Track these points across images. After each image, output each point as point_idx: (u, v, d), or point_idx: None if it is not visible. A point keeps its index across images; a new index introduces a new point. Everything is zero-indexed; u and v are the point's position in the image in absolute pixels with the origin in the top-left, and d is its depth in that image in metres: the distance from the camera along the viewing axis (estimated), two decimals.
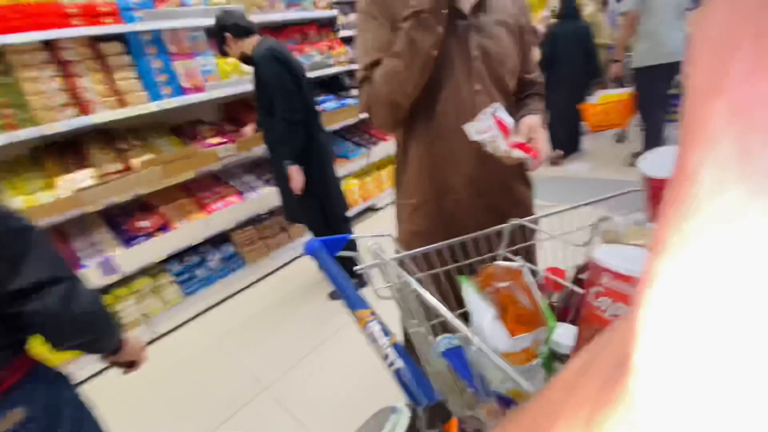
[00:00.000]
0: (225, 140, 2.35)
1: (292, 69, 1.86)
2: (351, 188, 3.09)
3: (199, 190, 2.46)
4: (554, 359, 0.52)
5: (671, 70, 2.97)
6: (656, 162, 0.79)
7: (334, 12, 3.00)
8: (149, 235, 2.14)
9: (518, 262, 0.47)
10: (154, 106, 2.11)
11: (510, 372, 0.38)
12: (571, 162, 3.92)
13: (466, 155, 0.92)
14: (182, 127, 2.53)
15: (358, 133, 3.35)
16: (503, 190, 0.98)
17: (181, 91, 2.22)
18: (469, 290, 0.46)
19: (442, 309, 0.49)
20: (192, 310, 2.31)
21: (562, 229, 0.89)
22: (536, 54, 2.73)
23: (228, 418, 1.65)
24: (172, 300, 2.27)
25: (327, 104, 2.94)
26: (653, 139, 3.23)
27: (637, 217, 0.96)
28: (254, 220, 2.56)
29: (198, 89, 2.26)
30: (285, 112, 1.82)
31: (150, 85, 2.12)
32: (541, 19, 4.13)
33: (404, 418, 0.32)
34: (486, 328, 0.44)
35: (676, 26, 2.84)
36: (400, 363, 0.32)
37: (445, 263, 0.78)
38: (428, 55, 0.80)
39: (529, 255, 1.00)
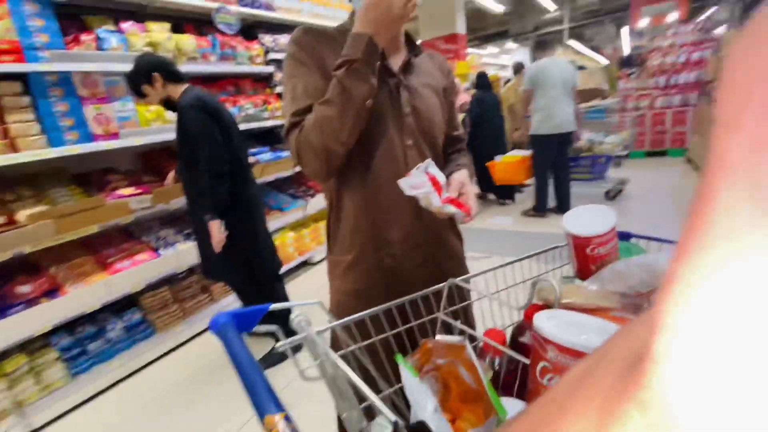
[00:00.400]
0: (139, 191, 2.13)
1: (220, 119, 1.78)
2: (285, 241, 2.95)
3: (104, 247, 2.15)
4: None
5: (561, 138, 3.57)
6: (578, 220, 0.83)
7: (271, 68, 3.03)
8: (31, 302, 1.78)
9: (458, 336, 0.42)
10: (54, 152, 1.85)
11: None
12: (496, 215, 4.19)
13: (402, 209, 0.90)
14: (89, 176, 2.25)
15: (294, 185, 3.28)
16: (438, 243, 0.97)
17: (90, 137, 2.00)
18: (406, 373, 0.39)
19: (369, 393, 0.41)
20: (81, 394, 1.90)
21: (497, 285, 0.88)
22: (459, 117, 3.05)
23: None
24: (55, 382, 1.86)
25: (261, 156, 2.86)
26: (540, 194, 3.84)
27: (564, 270, 0.99)
28: (169, 280, 2.27)
29: (111, 136, 2.06)
30: (209, 164, 1.70)
31: (51, 129, 1.89)
32: (463, 90, 4.67)
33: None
34: (427, 422, 0.37)
35: (565, 103, 3.45)
36: None
37: (382, 329, 0.71)
38: (362, 105, 0.79)
39: (466, 313, 0.97)
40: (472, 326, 0.98)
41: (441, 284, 0.71)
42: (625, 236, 1.03)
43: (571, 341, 0.36)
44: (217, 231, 1.74)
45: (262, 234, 2.00)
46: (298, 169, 2.94)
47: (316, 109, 0.81)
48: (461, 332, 0.77)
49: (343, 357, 0.68)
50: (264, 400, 0.34)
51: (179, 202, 2.23)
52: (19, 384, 1.77)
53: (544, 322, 0.40)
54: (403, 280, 0.92)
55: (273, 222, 2.81)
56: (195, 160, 1.72)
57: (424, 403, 0.37)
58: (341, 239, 0.95)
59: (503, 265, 0.84)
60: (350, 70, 0.76)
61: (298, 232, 3.11)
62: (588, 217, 0.81)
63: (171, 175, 2.18)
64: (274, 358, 2.00)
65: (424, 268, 0.94)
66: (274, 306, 0.58)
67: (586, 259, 0.81)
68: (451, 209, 0.74)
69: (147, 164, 2.53)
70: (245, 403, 0.35)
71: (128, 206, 2.06)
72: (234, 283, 2.01)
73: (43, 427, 1.78)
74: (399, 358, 0.40)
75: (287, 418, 0.32)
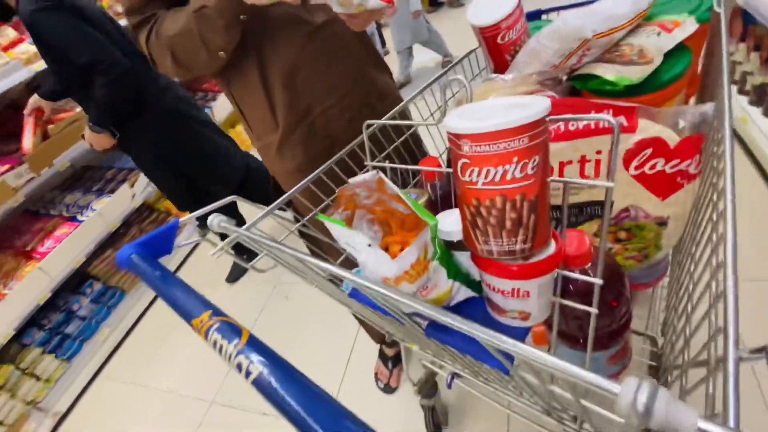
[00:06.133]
0: (9, 165, 1.77)
1: (86, 16, 1.39)
2: None
3: (14, 237, 1.90)
4: (450, 250, 0.47)
5: None
6: (482, 11, 0.74)
7: None
8: None
9: (370, 173, 0.38)
10: None
11: (392, 294, 0.32)
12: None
13: (312, 59, 0.79)
14: None
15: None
16: (363, 84, 0.88)
17: None
18: (333, 226, 0.37)
19: (319, 264, 0.39)
20: (88, 371, 1.93)
21: (428, 110, 0.83)
22: None
23: None
24: (54, 372, 1.86)
25: None
26: None
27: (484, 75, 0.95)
28: (109, 241, 2.11)
29: None
30: (100, 66, 1.38)
31: None
32: None
33: None
34: (367, 261, 0.35)
35: None
36: (257, 369, 0.23)
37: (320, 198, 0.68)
38: (215, 54, 0.72)
39: (416, 147, 0.94)
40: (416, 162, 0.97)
41: (362, 134, 0.65)
42: (534, 15, 0.96)
43: (481, 126, 0.33)
44: (98, 140, 1.55)
45: (193, 142, 1.76)
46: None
47: (168, 28, 0.70)
48: (399, 172, 0.76)
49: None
50: (187, 307, 0.31)
51: (65, 157, 1.90)
52: (21, 388, 1.76)
53: (453, 119, 0.36)
54: (343, 139, 0.85)
55: None
56: (84, 78, 1.40)
57: (358, 245, 0.35)
58: (260, 122, 0.86)
59: (422, 89, 0.78)
60: (200, 15, 0.67)
61: None
62: (490, 4, 0.72)
63: (28, 130, 1.76)
64: (240, 271, 2.06)
65: (358, 120, 0.87)
66: (183, 219, 0.52)
67: (500, 50, 0.75)
68: (375, 2, 0.60)
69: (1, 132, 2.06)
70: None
71: (8, 186, 1.74)
72: (177, 203, 1.89)
73: (70, 409, 1.85)
74: (321, 217, 0.37)
75: (215, 313, 0.29)
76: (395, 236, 0.46)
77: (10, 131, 1.94)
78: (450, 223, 0.45)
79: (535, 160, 0.34)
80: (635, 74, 0.56)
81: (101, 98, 1.45)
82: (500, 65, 0.78)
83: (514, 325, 0.44)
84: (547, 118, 0.34)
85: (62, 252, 1.85)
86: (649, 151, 0.51)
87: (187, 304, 0.31)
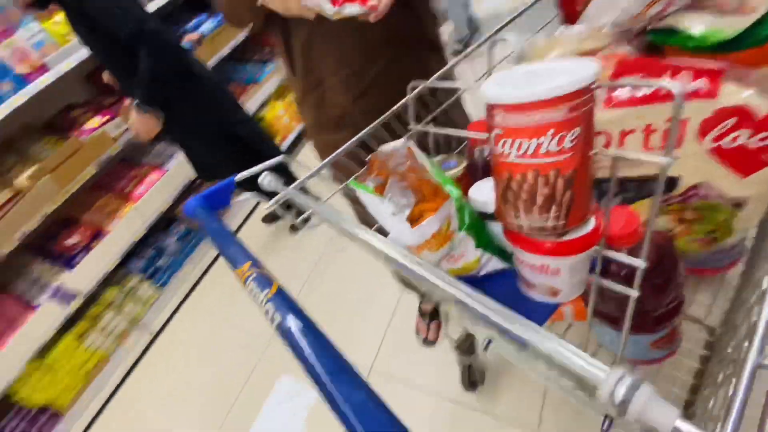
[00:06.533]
0: (108, 117, 2.02)
1: None
2: (277, 113, 2.81)
3: (114, 181, 2.20)
4: (485, 220, 0.47)
5: None
6: None
7: None
8: (86, 248, 1.96)
9: (400, 140, 0.38)
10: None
11: (407, 263, 0.33)
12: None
13: (326, 36, 0.80)
14: (53, 120, 2.14)
15: (257, 49, 2.93)
16: (380, 64, 0.84)
17: (22, 80, 1.81)
18: (363, 194, 0.38)
19: (344, 222, 0.42)
20: (176, 298, 2.25)
21: (484, 67, 0.79)
22: None
23: (250, 371, 1.73)
24: (150, 297, 2.20)
25: (203, 27, 2.47)
26: None
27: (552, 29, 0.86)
28: (191, 187, 2.35)
29: (41, 70, 1.84)
30: (145, 35, 1.45)
31: None
32: None
33: None
34: (391, 229, 0.37)
35: None
36: (279, 317, 0.26)
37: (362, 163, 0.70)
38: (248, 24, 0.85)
39: (456, 115, 0.91)
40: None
41: (406, 97, 0.63)
42: None
43: (513, 96, 0.31)
44: (145, 124, 1.61)
45: (238, 114, 1.89)
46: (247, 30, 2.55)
47: None
48: (445, 137, 0.74)
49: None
50: (234, 257, 0.35)
51: None
52: (123, 308, 2.12)
53: (490, 86, 0.34)
54: (350, 113, 0.87)
55: (254, 99, 2.64)
56: (128, 55, 1.50)
57: (383, 214, 0.37)
58: (289, 76, 0.93)
59: (476, 45, 0.73)
60: None
61: (285, 99, 2.92)
62: None
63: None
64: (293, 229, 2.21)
65: (364, 99, 0.86)
66: (240, 176, 0.56)
67: None
68: (351, 9, 0.58)
69: (99, 86, 2.32)
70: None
71: (108, 136, 1.99)
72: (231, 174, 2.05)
73: (161, 329, 2.20)
74: (352, 183, 0.39)
75: (255, 264, 0.33)
76: (429, 203, 0.46)
77: (107, 87, 2.18)
78: (484, 192, 0.45)
79: (574, 133, 0.32)
80: (730, 27, 0.47)
81: (147, 69, 1.48)
82: (571, 15, 0.70)
83: (543, 301, 0.44)
84: (594, 86, 0.31)
85: (155, 195, 2.11)
86: (731, 121, 0.44)
87: (235, 254, 0.36)
